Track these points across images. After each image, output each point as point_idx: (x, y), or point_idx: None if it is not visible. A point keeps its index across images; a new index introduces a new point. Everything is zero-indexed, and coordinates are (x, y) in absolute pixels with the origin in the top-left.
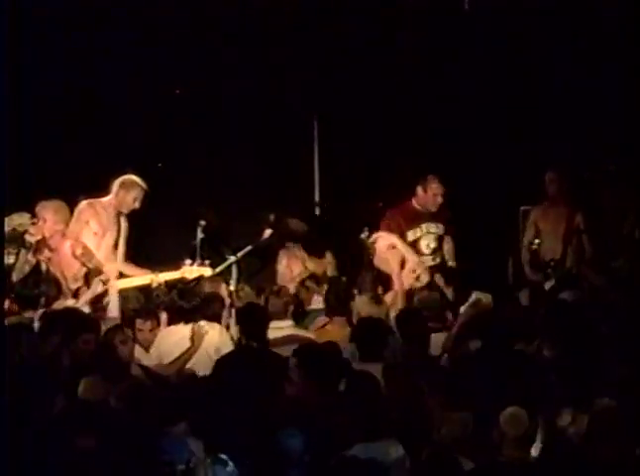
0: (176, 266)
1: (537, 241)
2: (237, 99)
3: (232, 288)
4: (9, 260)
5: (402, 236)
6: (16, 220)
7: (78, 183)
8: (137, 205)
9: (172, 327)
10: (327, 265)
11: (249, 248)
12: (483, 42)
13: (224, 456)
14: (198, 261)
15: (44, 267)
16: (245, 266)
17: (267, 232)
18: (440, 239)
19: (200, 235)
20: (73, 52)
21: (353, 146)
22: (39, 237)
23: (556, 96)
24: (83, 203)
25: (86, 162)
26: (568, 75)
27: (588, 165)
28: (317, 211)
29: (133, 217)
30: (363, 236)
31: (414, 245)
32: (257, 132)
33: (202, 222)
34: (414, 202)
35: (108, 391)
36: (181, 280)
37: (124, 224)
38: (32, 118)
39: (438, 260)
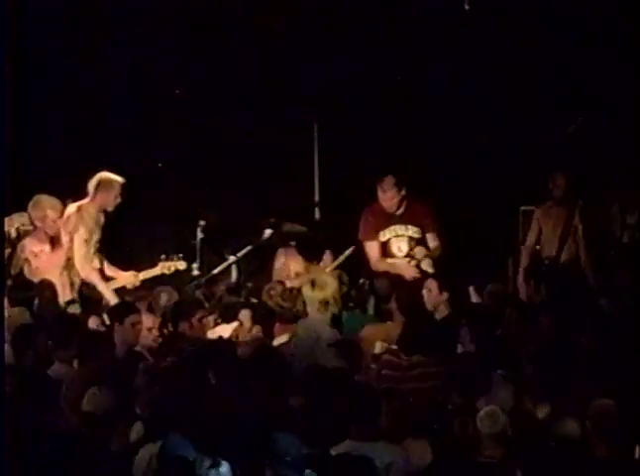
0: (153, 263)
1: (537, 247)
2: (237, 99)
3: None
4: None
5: (376, 237)
6: (16, 220)
7: (78, 184)
8: (119, 201)
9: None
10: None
11: (249, 248)
12: (484, 42)
13: (219, 458)
14: (175, 256)
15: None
16: (245, 266)
17: (267, 232)
18: (415, 242)
19: (200, 235)
20: (73, 52)
21: (352, 147)
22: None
23: (557, 96)
24: (71, 209)
25: (86, 162)
26: (569, 75)
27: (589, 165)
28: (317, 212)
29: (133, 218)
30: None
31: (385, 247)
32: (257, 132)
33: (202, 222)
34: (380, 203)
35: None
36: (161, 276)
37: (102, 221)
38: (32, 118)
39: (413, 263)
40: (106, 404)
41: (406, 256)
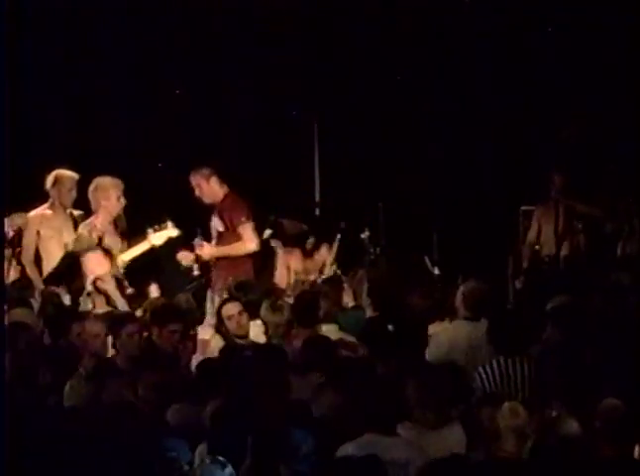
0: (143, 238)
1: (537, 247)
2: (237, 99)
3: None
4: None
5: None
6: (16, 220)
7: (79, 183)
8: (74, 195)
9: None
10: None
11: None
12: (483, 40)
13: (222, 458)
14: (167, 223)
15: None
16: None
17: (267, 232)
18: (218, 234)
19: (201, 235)
20: (73, 52)
21: (353, 146)
22: None
23: (557, 95)
24: (29, 216)
25: (87, 161)
26: (568, 74)
27: (588, 165)
28: (317, 211)
29: (131, 219)
30: (363, 236)
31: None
32: (257, 132)
33: None
34: None
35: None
36: (153, 248)
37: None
38: (32, 118)
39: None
40: (87, 395)
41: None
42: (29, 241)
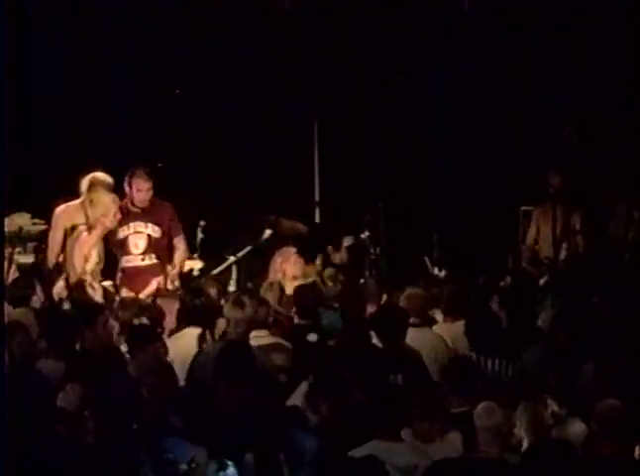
0: None
1: (537, 247)
2: (237, 99)
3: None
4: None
5: (114, 234)
6: (16, 220)
7: (79, 184)
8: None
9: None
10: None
11: (249, 248)
12: (483, 42)
13: (225, 459)
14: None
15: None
16: (245, 266)
17: (267, 232)
18: (153, 240)
19: (200, 235)
20: (74, 52)
21: (353, 146)
22: None
23: (556, 96)
24: (58, 210)
25: (87, 162)
26: (568, 75)
27: (588, 164)
28: (317, 212)
29: None
30: (363, 236)
31: (123, 244)
32: (257, 132)
33: (202, 222)
34: (125, 200)
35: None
36: None
37: None
38: (32, 118)
39: (149, 261)
40: (78, 399)
41: (142, 253)
42: (56, 236)
